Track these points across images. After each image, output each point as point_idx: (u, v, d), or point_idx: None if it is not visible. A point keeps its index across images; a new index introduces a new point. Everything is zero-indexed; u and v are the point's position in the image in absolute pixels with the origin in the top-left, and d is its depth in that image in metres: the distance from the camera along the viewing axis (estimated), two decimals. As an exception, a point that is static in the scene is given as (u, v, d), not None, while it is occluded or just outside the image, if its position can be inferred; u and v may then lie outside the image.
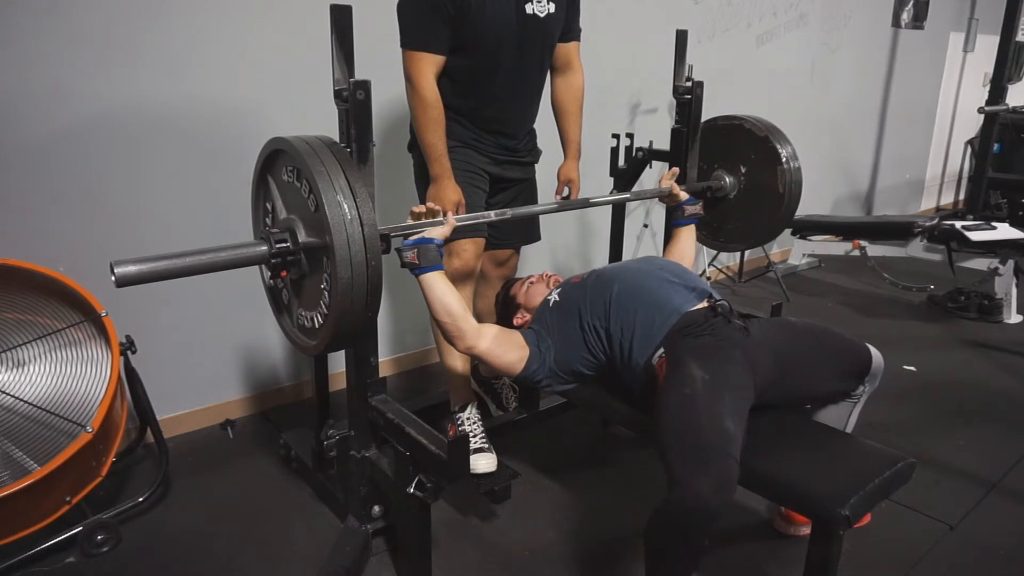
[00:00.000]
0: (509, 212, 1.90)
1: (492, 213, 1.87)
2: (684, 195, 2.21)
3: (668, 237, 2.30)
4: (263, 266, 1.61)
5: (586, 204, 2.14)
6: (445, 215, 1.71)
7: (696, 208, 2.22)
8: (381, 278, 1.43)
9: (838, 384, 1.82)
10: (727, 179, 2.45)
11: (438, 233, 1.67)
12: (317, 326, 1.51)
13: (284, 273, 1.51)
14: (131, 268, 1.29)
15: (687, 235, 2.22)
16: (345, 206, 1.36)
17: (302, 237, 1.45)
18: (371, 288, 1.41)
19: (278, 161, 1.54)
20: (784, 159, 2.32)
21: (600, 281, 1.87)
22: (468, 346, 1.76)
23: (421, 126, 1.90)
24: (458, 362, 2.09)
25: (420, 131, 1.91)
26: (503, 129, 2.07)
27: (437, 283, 1.68)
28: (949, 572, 1.90)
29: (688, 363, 1.59)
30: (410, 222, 1.68)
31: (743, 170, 2.42)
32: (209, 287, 2.44)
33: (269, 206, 1.61)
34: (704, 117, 2.45)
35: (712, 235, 2.60)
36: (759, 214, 2.43)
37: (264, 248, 1.45)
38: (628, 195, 2.40)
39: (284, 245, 1.45)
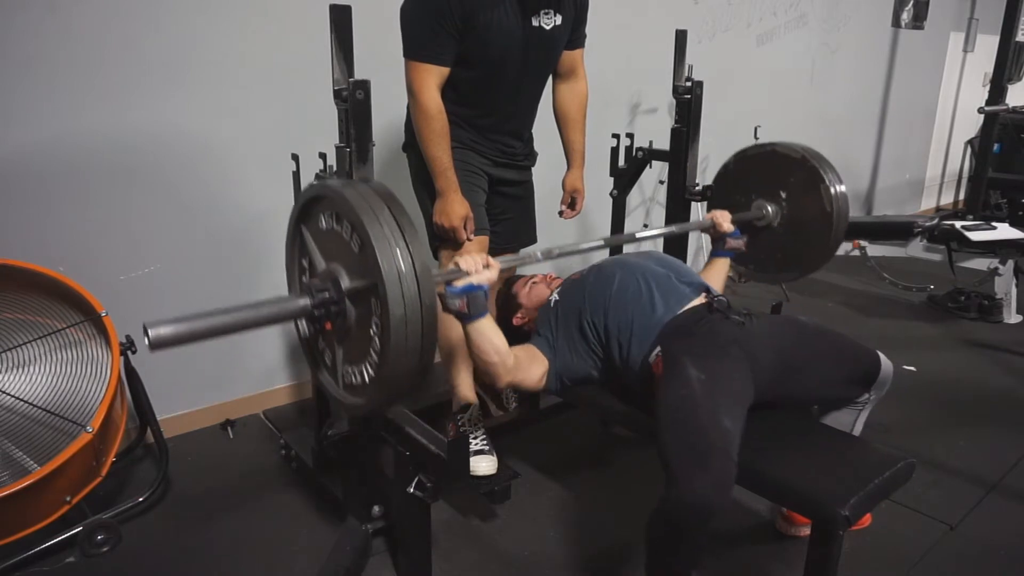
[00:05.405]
0: (556, 250, 1.81)
1: (539, 252, 1.78)
2: (729, 227, 2.18)
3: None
4: (303, 320, 1.51)
5: (631, 239, 2.11)
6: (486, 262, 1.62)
7: (738, 243, 2.19)
8: (436, 319, 1.30)
9: (844, 389, 1.81)
10: (768, 208, 2.34)
11: (485, 279, 1.60)
12: (366, 380, 1.40)
13: (329, 325, 1.40)
14: (166, 329, 1.18)
15: (720, 265, 2.21)
16: (392, 240, 1.26)
17: (346, 283, 1.36)
18: (426, 329, 1.28)
19: (314, 209, 1.45)
20: (827, 179, 2.24)
21: (600, 277, 1.87)
22: (512, 379, 1.76)
23: (425, 139, 1.87)
24: (461, 365, 2.09)
25: (424, 144, 1.88)
26: (502, 138, 2.06)
27: (488, 328, 1.67)
28: (949, 572, 1.90)
29: (684, 363, 1.59)
30: (451, 268, 1.61)
31: (783, 195, 2.32)
32: (209, 287, 2.44)
33: (305, 263, 1.52)
34: (704, 117, 2.43)
35: (761, 268, 2.46)
36: (808, 237, 2.31)
37: (304, 301, 1.34)
38: (674, 228, 2.33)
39: (325, 295, 1.35)
